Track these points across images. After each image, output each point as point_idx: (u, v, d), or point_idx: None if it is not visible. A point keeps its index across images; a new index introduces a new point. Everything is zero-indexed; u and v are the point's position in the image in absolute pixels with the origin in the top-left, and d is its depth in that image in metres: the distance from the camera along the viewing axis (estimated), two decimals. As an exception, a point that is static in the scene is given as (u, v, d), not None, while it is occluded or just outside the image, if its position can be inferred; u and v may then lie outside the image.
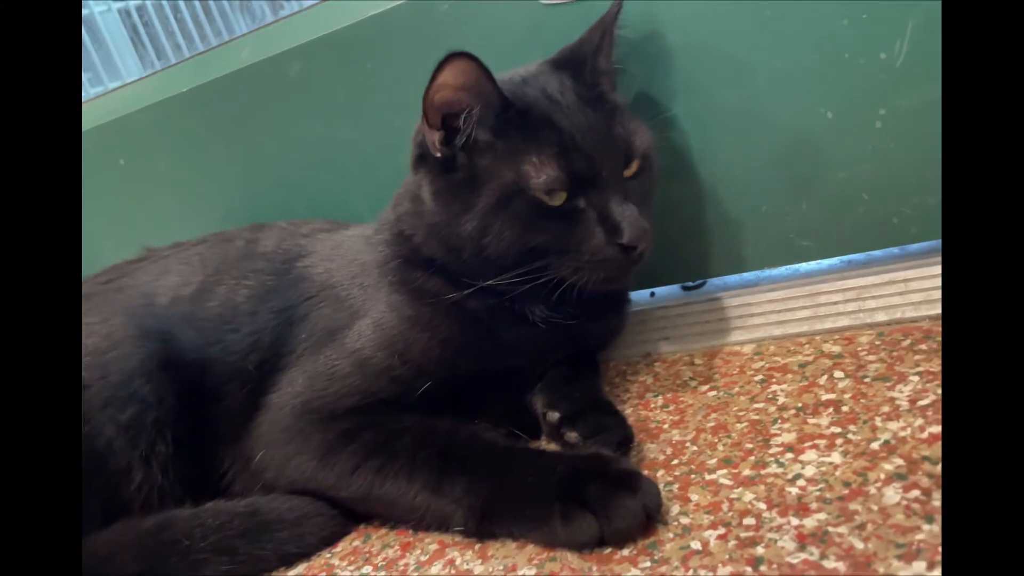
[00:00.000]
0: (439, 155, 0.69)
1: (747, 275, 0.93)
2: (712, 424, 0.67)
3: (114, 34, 2.38)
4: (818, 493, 0.54)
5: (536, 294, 0.69)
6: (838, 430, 0.61)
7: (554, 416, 0.69)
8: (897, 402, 0.62)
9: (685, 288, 0.96)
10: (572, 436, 0.67)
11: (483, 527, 0.61)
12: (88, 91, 2.08)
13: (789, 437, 0.62)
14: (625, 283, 0.71)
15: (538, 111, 0.68)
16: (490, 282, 0.68)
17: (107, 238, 1.18)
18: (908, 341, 0.70)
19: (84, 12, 2.28)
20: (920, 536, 0.47)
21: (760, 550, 0.51)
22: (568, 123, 0.68)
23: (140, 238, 1.02)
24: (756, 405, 0.68)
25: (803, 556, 0.49)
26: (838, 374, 0.68)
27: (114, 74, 2.34)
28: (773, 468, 0.59)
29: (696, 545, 0.53)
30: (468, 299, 0.71)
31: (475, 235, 0.68)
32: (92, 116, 1.16)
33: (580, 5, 0.80)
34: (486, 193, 0.67)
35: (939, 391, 0.61)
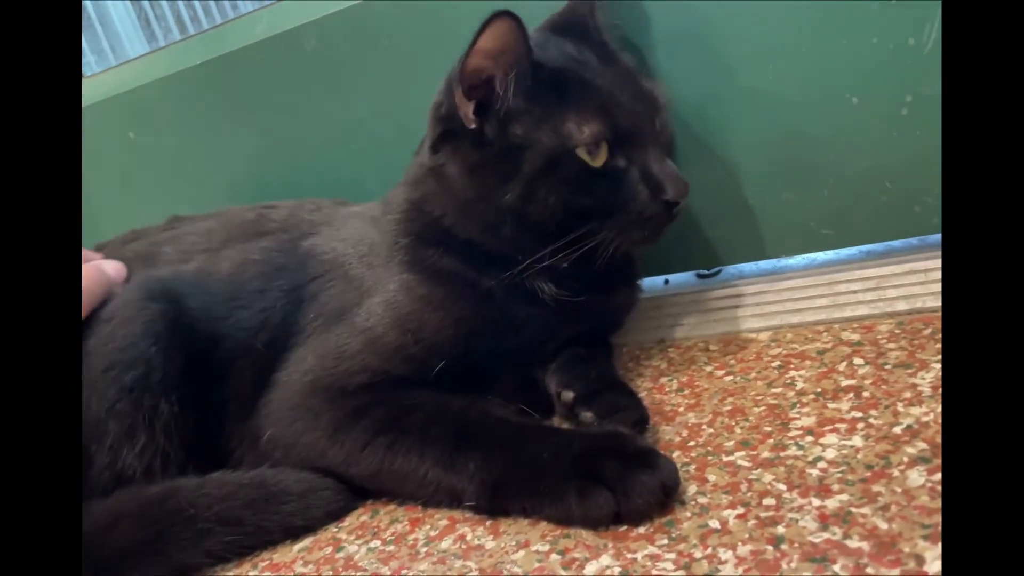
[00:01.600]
0: (473, 127, 0.68)
1: (764, 264, 0.92)
2: (729, 408, 0.66)
3: (122, 16, 2.37)
4: (840, 475, 0.53)
5: (571, 264, 0.68)
6: (859, 415, 0.60)
7: (569, 396, 0.68)
8: (919, 388, 0.61)
9: (700, 276, 0.95)
10: (587, 416, 0.66)
11: (496, 503, 0.60)
12: (95, 71, 2.07)
13: (808, 421, 0.61)
14: (655, 242, 0.70)
15: (570, 71, 0.68)
16: (538, 256, 0.68)
17: (114, 211, 1.17)
18: (929, 330, 0.69)
19: (92, -7, 2.27)
20: (946, 518, 0.46)
21: (781, 529, 0.50)
22: (601, 81, 0.67)
23: (147, 212, 1.02)
24: (774, 390, 0.67)
25: (826, 535, 0.48)
26: (858, 361, 0.67)
27: (122, 57, 2.33)
28: (793, 450, 0.58)
29: (715, 524, 0.52)
30: (483, 278, 0.70)
31: (517, 205, 0.67)
32: (103, 88, 1.15)
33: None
34: (528, 159, 0.66)
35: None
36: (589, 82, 0.68)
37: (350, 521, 0.67)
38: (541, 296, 0.71)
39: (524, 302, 0.71)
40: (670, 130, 0.74)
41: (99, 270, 0.80)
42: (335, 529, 0.66)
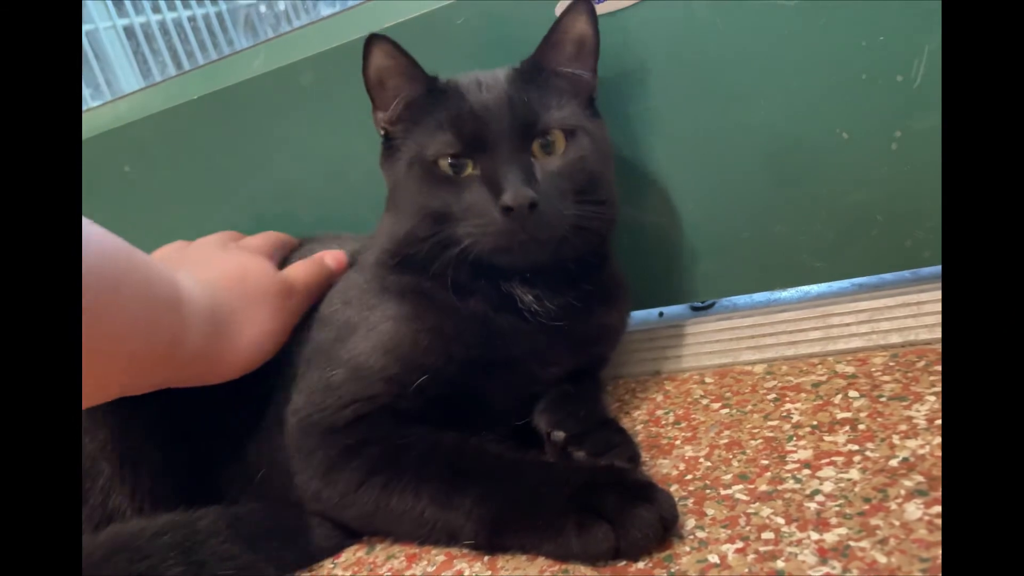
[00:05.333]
0: (383, 131, 0.76)
1: (757, 296, 0.93)
2: (725, 441, 0.67)
3: (117, 51, 2.39)
4: (837, 508, 0.53)
5: (454, 267, 0.69)
6: (855, 447, 0.60)
7: (559, 436, 0.68)
8: (914, 421, 0.61)
9: (694, 308, 0.95)
10: (580, 455, 0.65)
11: (494, 540, 0.59)
12: (91, 105, 2.08)
13: (805, 454, 0.61)
14: (523, 257, 0.69)
15: (455, 91, 0.72)
16: (412, 250, 0.71)
17: (109, 244, 1.17)
18: (923, 362, 0.69)
19: (88, 27, 2.29)
20: (945, 552, 0.47)
21: (780, 564, 0.49)
22: (473, 96, 0.71)
23: (142, 246, 1.01)
24: (770, 423, 0.67)
25: (825, 570, 0.48)
26: (853, 393, 0.68)
27: (117, 91, 2.35)
28: (790, 484, 0.58)
29: (714, 559, 0.52)
30: (439, 289, 0.71)
31: (396, 199, 0.74)
32: (99, 122, 1.15)
33: (603, 19, 0.80)
34: (401, 160, 0.72)
35: (957, 411, 0.60)
36: (459, 98, 0.71)
37: (346, 557, 0.66)
38: (521, 306, 0.71)
39: (503, 311, 0.71)
40: (581, 157, 0.71)
41: (320, 262, 0.81)
42: (331, 565, 0.66)
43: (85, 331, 0.50)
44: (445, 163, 0.69)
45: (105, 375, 0.56)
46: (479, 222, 0.67)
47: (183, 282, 0.64)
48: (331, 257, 0.82)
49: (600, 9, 0.81)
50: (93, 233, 0.54)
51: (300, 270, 0.79)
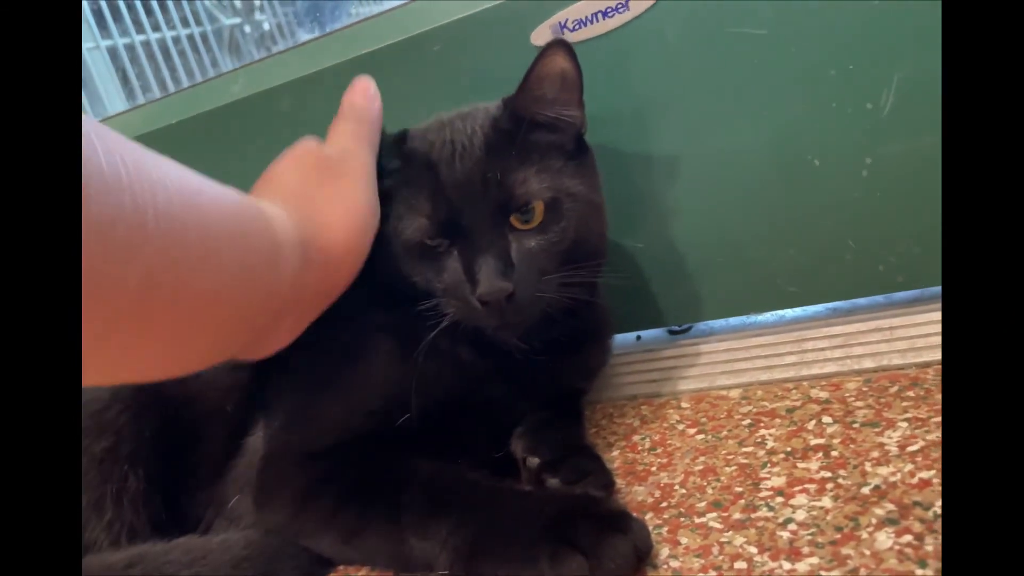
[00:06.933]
0: None
1: (733, 320, 0.93)
2: (700, 467, 0.67)
3: (101, 72, 2.38)
4: (810, 537, 0.53)
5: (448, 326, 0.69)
6: (828, 474, 0.60)
7: (534, 462, 0.68)
8: (886, 447, 0.61)
9: (671, 332, 0.96)
10: (553, 482, 0.65)
11: (470, 569, 0.58)
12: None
13: (779, 481, 0.61)
14: (506, 333, 0.69)
15: (424, 158, 0.70)
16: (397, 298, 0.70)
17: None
18: (895, 388, 0.70)
19: (72, 48, 2.29)
20: (914, 581, 0.47)
21: (752, 594, 0.50)
22: (447, 170, 0.68)
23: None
24: (745, 449, 0.67)
25: (796, 600, 0.48)
26: (826, 419, 0.68)
27: (101, 113, 2.34)
28: (763, 512, 0.58)
29: (687, 588, 0.52)
30: (426, 333, 0.70)
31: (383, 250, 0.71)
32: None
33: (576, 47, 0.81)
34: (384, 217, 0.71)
35: (928, 437, 0.61)
36: (437, 171, 0.68)
37: (320, 588, 0.66)
38: (506, 347, 0.71)
39: (489, 354, 0.71)
40: (561, 227, 0.68)
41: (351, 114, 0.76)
42: (305, 596, 0.65)
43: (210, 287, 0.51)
44: (427, 239, 0.69)
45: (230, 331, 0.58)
46: (459, 304, 0.67)
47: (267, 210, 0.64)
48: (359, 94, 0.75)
49: (575, 37, 0.82)
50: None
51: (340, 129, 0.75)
